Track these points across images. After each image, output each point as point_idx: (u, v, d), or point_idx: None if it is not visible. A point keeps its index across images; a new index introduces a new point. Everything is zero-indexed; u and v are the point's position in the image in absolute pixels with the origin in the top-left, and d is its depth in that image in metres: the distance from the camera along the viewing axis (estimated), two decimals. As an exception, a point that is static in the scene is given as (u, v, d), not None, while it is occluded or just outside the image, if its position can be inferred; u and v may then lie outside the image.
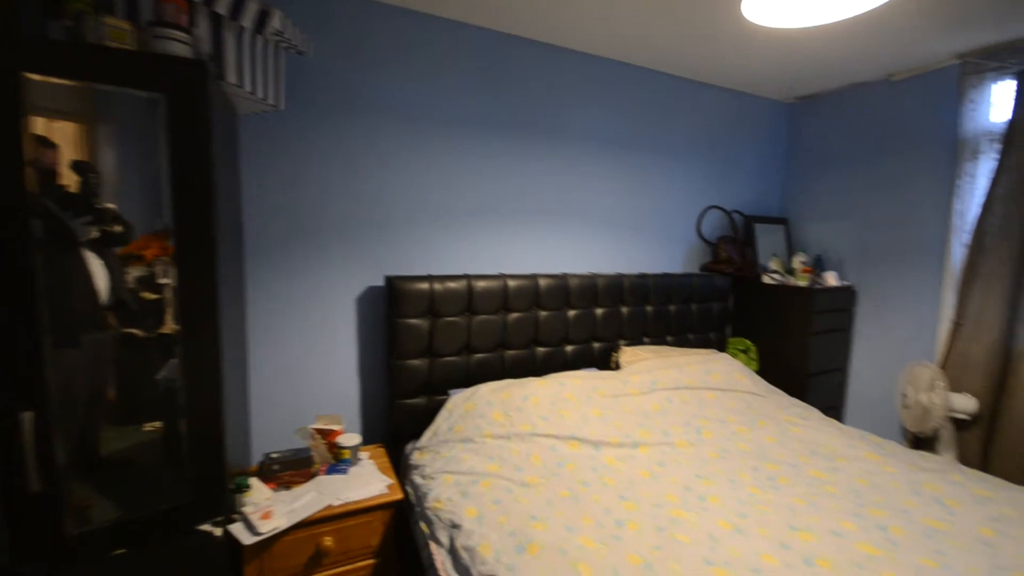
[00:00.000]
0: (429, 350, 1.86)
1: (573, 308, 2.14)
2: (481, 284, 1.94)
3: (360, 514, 1.47)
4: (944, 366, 2.22)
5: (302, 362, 1.80)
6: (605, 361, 2.23)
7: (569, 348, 2.16)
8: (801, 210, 2.89)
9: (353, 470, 1.60)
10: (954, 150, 2.26)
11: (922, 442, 2.27)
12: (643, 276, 2.32)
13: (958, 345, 2.19)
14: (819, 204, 2.80)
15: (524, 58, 2.12)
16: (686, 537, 1.25)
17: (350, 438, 1.63)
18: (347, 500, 1.45)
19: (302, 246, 1.78)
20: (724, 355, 2.32)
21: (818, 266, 2.63)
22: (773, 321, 2.58)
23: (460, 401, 1.79)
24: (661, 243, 2.56)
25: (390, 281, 1.82)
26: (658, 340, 2.38)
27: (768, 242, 2.80)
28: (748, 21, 1.66)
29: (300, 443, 1.64)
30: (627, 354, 2.18)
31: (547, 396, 1.82)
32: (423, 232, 1.98)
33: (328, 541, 1.44)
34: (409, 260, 1.97)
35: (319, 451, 1.57)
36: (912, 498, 1.44)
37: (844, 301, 2.59)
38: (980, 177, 2.20)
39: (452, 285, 1.88)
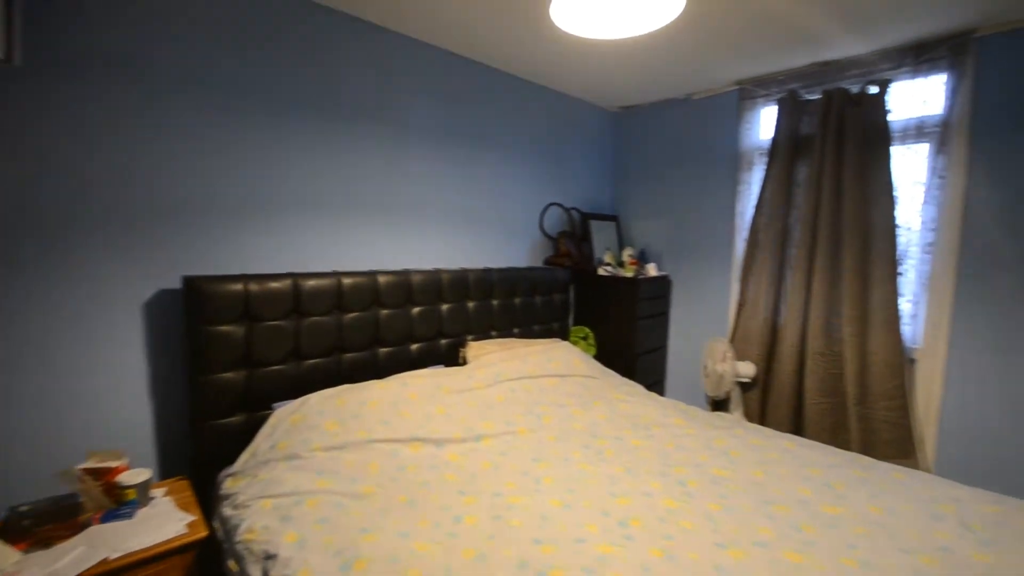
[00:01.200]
0: (246, 360, 1.64)
1: (417, 305, 2.09)
2: (311, 283, 1.77)
3: (150, 563, 1.22)
4: (733, 340, 2.67)
5: (68, 387, 1.43)
6: (454, 357, 2.22)
7: (415, 346, 2.10)
8: (628, 208, 3.23)
9: (142, 512, 1.33)
10: (736, 162, 2.72)
11: (719, 404, 2.70)
12: (488, 270, 2.36)
13: (742, 322, 2.65)
14: (642, 204, 3.16)
15: (348, 36, 1.96)
16: (519, 521, 1.28)
17: (136, 475, 1.35)
18: (130, 550, 1.20)
19: (61, 245, 1.42)
20: (564, 343, 2.47)
21: (642, 259, 2.97)
22: (607, 309, 2.85)
23: (286, 415, 1.61)
24: (506, 238, 2.64)
25: (189, 282, 1.54)
26: (505, 333, 2.45)
27: (603, 237, 3.07)
28: (558, 27, 1.70)
29: (66, 489, 1.31)
30: (474, 348, 2.20)
31: (388, 398, 1.73)
32: (234, 227, 1.72)
33: (108, 603, 1.17)
34: (215, 259, 1.69)
35: (91, 495, 1.27)
36: (705, 453, 1.69)
37: (662, 289, 2.96)
38: (754, 184, 2.69)
39: (274, 285, 1.68)
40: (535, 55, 2.34)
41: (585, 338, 2.82)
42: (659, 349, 3.00)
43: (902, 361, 2.20)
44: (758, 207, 2.57)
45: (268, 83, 1.78)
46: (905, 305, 2.23)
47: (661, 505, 1.36)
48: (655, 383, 2.99)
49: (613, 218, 3.17)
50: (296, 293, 1.73)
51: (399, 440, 1.60)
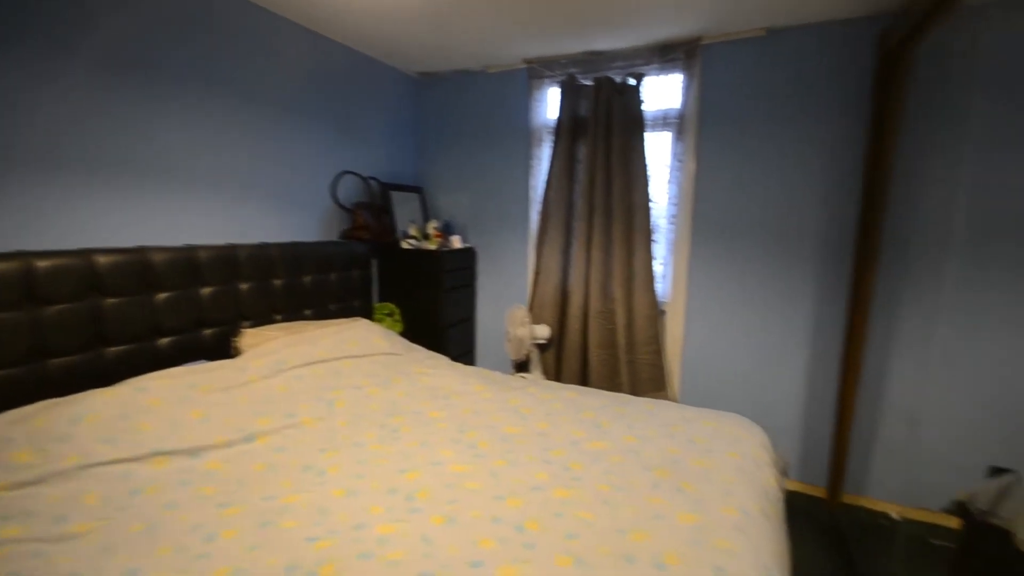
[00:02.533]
0: None
1: (164, 290, 1.70)
2: (-23, 265, 1.28)
3: None
4: (531, 306, 2.88)
5: None
6: (225, 349, 1.89)
7: (164, 341, 1.71)
8: (433, 180, 3.18)
9: None
10: (529, 137, 2.88)
11: (521, 366, 2.90)
12: (264, 246, 2.06)
13: (538, 289, 2.86)
14: (446, 175, 3.14)
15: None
16: (293, 521, 1.14)
17: None
18: None
19: None
20: (363, 321, 2.33)
21: (447, 231, 2.96)
22: (413, 283, 2.78)
23: (-64, 451, 1.15)
24: (291, 209, 2.34)
25: None
26: (293, 316, 2.19)
27: (407, 209, 2.97)
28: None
29: None
30: (251, 337, 1.90)
31: (113, 410, 1.37)
32: None
33: None
34: None
35: None
36: (500, 414, 1.77)
37: (468, 261, 3.02)
38: (544, 160, 2.88)
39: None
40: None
41: (391, 314, 2.72)
42: (467, 320, 3.07)
43: (656, 313, 2.64)
44: (548, 182, 2.77)
45: None
46: (658, 267, 2.67)
47: (450, 472, 1.37)
48: (465, 353, 3.06)
49: (417, 190, 3.09)
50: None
51: (132, 459, 1.28)
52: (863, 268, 2.14)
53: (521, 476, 1.35)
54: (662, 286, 2.70)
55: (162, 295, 1.69)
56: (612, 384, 2.71)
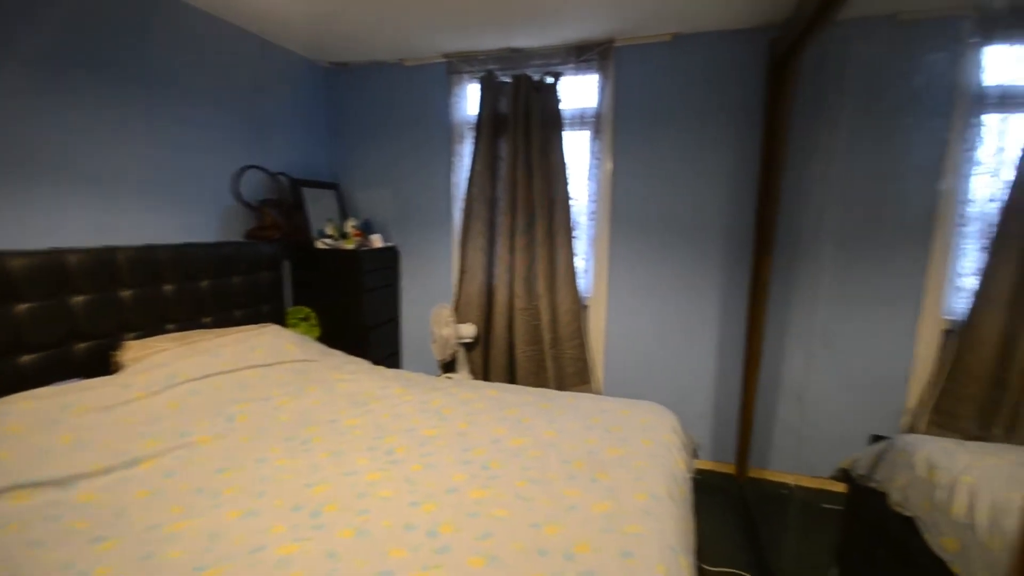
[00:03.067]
0: None
1: (24, 301, 1.48)
2: None
3: None
4: (456, 305, 2.84)
5: None
6: (104, 365, 1.68)
7: (27, 359, 1.49)
8: (350, 176, 3.04)
9: None
10: (450, 133, 2.83)
11: (448, 366, 2.86)
12: (150, 248, 1.85)
13: (464, 288, 2.83)
14: (364, 171, 3.02)
15: None
16: (179, 551, 1.03)
17: None
18: None
19: None
20: (272, 327, 2.18)
21: (367, 229, 2.85)
22: (330, 285, 2.64)
23: None
24: (185, 207, 2.12)
25: None
26: (189, 325, 2.00)
27: (323, 207, 2.82)
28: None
29: None
30: (135, 350, 1.70)
31: (-46, 441, 1.17)
32: None
33: None
34: None
35: None
36: (420, 417, 1.72)
37: (390, 260, 2.92)
38: (466, 157, 2.85)
39: None
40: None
41: (306, 319, 2.57)
42: (392, 321, 2.98)
43: (579, 308, 2.71)
44: (470, 179, 2.74)
45: None
46: (580, 263, 2.74)
47: (364, 481, 1.31)
48: (390, 356, 2.96)
49: (334, 186, 2.94)
50: None
51: (-24, 498, 1.10)
52: (760, 260, 2.32)
53: (437, 479, 1.32)
54: (584, 281, 2.77)
55: (23, 306, 1.47)
56: (538, 379, 2.75)
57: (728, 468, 2.64)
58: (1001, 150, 2.02)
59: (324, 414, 1.72)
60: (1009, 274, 1.98)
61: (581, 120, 2.66)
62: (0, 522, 1.10)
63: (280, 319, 2.48)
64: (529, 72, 2.61)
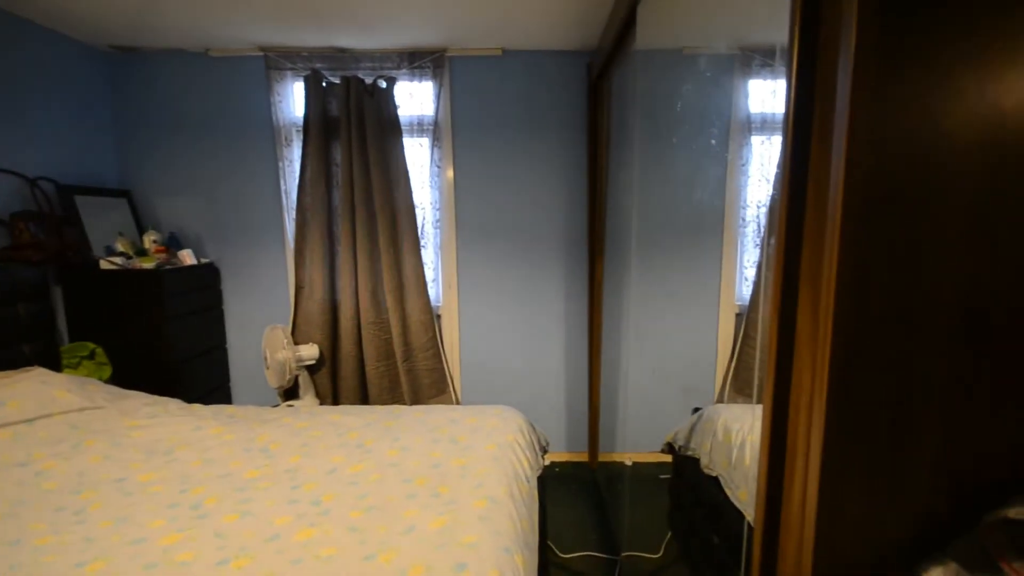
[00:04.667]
0: None
1: None
2: None
3: None
4: (295, 325, 2.57)
5: None
6: None
7: None
8: (148, 182, 2.56)
9: None
10: (274, 135, 2.57)
11: (290, 392, 2.57)
12: None
13: (301, 305, 2.58)
14: (167, 176, 2.57)
15: None
16: None
17: None
18: None
19: None
20: (37, 371, 1.72)
21: (173, 244, 2.42)
22: (122, 313, 2.18)
23: None
24: None
25: None
26: None
27: (110, 219, 2.32)
28: None
29: None
30: None
31: None
32: None
33: None
34: None
35: None
36: (241, 458, 1.49)
37: (208, 279, 2.53)
38: (296, 161, 2.61)
39: None
40: None
41: (91, 356, 2.08)
42: (215, 349, 2.58)
43: (431, 318, 2.65)
44: (301, 185, 2.52)
45: None
46: (429, 272, 2.69)
47: (156, 547, 1.08)
48: (215, 389, 2.56)
49: (124, 193, 2.44)
50: None
51: None
52: (593, 262, 2.53)
53: (256, 527, 1.14)
54: (435, 290, 2.73)
55: None
56: (393, 395, 2.62)
57: (582, 456, 2.82)
58: (763, 165, 2.51)
59: (108, 472, 1.40)
60: (775, 263, 2.45)
61: (420, 127, 2.62)
62: None
63: (52, 360, 1.97)
64: (360, 74, 2.49)
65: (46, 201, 2.01)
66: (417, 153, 2.65)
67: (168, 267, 2.23)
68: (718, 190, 2.60)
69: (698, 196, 2.57)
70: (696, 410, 2.31)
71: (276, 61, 2.49)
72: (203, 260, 2.49)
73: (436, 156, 2.62)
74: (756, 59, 2.57)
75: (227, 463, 1.46)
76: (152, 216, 2.55)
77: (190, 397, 2.00)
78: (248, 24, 2.20)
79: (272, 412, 1.87)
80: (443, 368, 2.72)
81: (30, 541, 1.11)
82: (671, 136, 2.24)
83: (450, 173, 2.62)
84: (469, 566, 0.98)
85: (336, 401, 2.65)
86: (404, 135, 2.55)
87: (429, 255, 2.71)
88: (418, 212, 2.60)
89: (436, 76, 2.55)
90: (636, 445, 2.80)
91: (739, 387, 2.66)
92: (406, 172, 2.55)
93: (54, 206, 2.05)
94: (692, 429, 2.06)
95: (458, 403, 2.71)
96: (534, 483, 1.52)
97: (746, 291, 2.65)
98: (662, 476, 2.64)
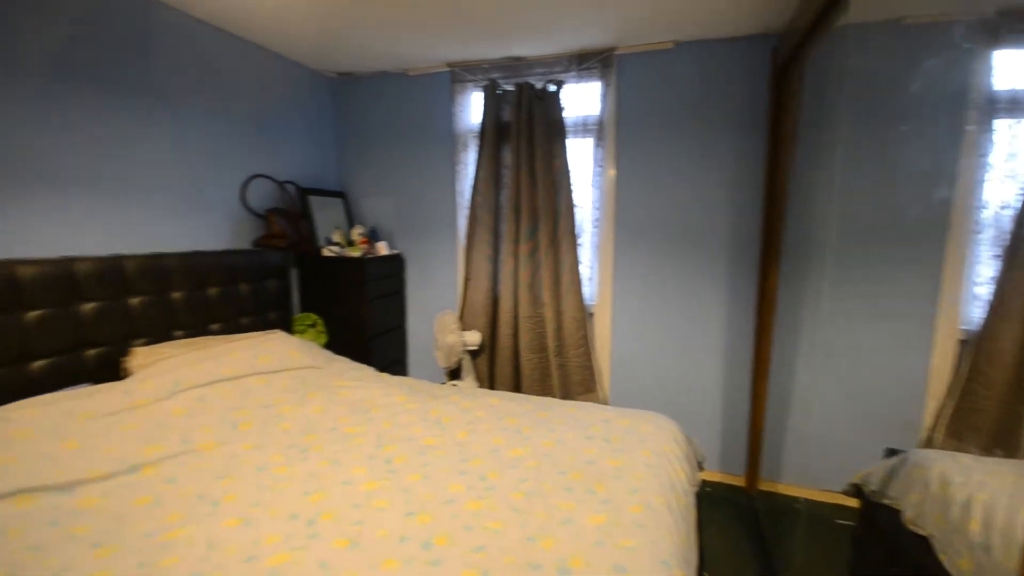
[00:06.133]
0: None
1: (33, 308, 1.52)
2: None
3: None
4: (462, 312, 2.84)
5: None
6: (113, 371, 1.72)
7: (37, 365, 1.53)
8: (356, 185, 3.08)
9: None
10: (454, 142, 2.86)
11: (454, 373, 2.86)
12: (158, 256, 1.89)
13: (468, 295, 2.84)
14: (370, 179, 3.05)
15: None
16: (175, 558, 1.04)
17: None
18: None
19: None
20: (279, 334, 2.20)
21: (373, 237, 2.87)
22: (337, 292, 2.67)
23: None
24: (193, 216, 2.16)
25: None
26: (197, 331, 2.03)
27: (330, 215, 2.85)
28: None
29: None
30: (142, 356, 1.74)
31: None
32: None
33: None
34: None
35: None
36: (421, 425, 1.72)
37: (396, 267, 2.94)
38: (470, 165, 2.87)
39: None
40: (210, -7, 1.94)
41: (314, 325, 2.59)
42: (397, 328, 2.99)
43: (584, 316, 2.69)
44: (474, 187, 2.76)
45: None
46: (584, 271, 2.72)
47: (361, 491, 1.31)
48: (395, 363, 2.98)
49: (340, 194, 2.97)
50: None
51: (-17, 502, 1.13)
52: (767, 269, 2.29)
53: (434, 490, 1.31)
54: (589, 289, 2.76)
55: (32, 314, 1.51)
56: (544, 388, 2.73)
57: (738, 480, 2.59)
58: (1012, 156, 1.97)
59: (325, 422, 1.73)
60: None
61: (584, 127, 2.66)
62: (3, 525, 1.12)
63: (287, 326, 2.51)
64: (532, 80, 2.62)
65: (291, 200, 2.55)
66: (581, 153, 2.70)
67: (369, 256, 2.66)
68: (940, 187, 2.14)
69: (912, 194, 2.15)
70: (892, 452, 1.96)
71: (460, 74, 2.76)
72: (394, 251, 2.91)
73: (599, 156, 2.63)
74: (1005, 25, 2.03)
75: (410, 428, 1.69)
76: (359, 213, 3.06)
77: (378, 366, 2.36)
78: (437, 42, 2.48)
79: (441, 389, 2.10)
80: (592, 367, 2.74)
81: (271, 469, 1.43)
82: (888, 124, 1.89)
83: (612, 172, 2.61)
84: (628, 570, 0.99)
85: (492, 385, 2.86)
86: (569, 136, 2.62)
87: (586, 253, 2.74)
88: (577, 211, 2.65)
89: (603, 76, 2.56)
90: (805, 478, 2.47)
91: (958, 431, 2.15)
92: (568, 173, 2.62)
93: (295, 204, 2.60)
94: (891, 474, 1.74)
95: (606, 403, 2.70)
96: (691, 498, 1.46)
97: (976, 313, 2.13)
98: (839, 520, 2.29)
